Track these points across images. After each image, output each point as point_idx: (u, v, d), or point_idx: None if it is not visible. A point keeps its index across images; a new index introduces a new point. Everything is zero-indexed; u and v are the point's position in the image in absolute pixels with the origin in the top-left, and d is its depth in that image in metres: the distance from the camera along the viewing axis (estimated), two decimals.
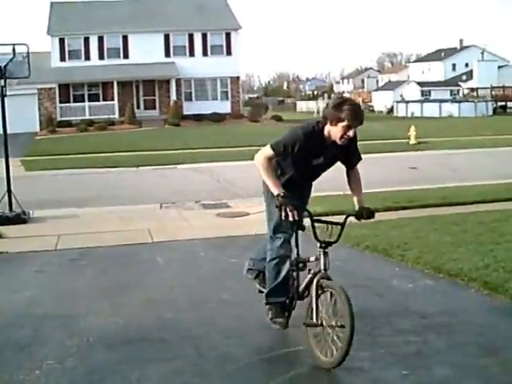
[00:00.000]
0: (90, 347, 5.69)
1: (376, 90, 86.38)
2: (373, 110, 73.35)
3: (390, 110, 66.72)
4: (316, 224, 5.39)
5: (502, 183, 14.71)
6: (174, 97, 49.10)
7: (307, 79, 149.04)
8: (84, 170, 21.11)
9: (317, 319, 5.05)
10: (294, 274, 5.68)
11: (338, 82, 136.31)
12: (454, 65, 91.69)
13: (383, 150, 25.13)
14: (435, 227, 9.87)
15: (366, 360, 5.20)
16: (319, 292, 5.10)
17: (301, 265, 5.72)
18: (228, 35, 51.52)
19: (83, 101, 48.34)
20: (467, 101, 63.99)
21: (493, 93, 69.07)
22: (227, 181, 17.62)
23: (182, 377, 5.04)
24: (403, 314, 6.30)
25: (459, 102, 63.93)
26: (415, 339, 5.58)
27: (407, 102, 62.72)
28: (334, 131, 5.21)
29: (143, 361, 5.33)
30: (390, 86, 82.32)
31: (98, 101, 48.73)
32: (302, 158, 5.42)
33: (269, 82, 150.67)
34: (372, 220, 5.68)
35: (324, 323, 5.05)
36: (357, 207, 5.64)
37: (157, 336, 5.93)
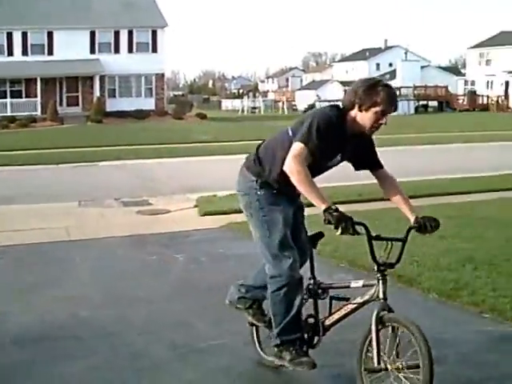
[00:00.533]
0: (1, 346, 5.57)
1: (300, 90, 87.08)
2: (296, 109, 73.93)
3: (311, 107, 67.45)
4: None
5: (425, 179, 15.08)
6: (97, 93, 48.56)
7: (233, 78, 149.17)
8: (1, 167, 20.62)
9: (379, 362, 4.10)
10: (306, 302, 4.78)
11: (263, 81, 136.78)
12: (378, 64, 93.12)
13: None
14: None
15: None
16: (379, 328, 4.12)
17: (320, 291, 4.80)
18: (154, 32, 51.36)
19: (5, 97, 47.18)
20: None
21: (415, 92, 70.61)
22: (149, 178, 17.49)
23: (96, 373, 4.99)
24: (319, 306, 6.31)
25: None
26: (333, 332, 5.61)
27: (330, 102, 63.63)
28: (364, 118, 4.29)
29: (57, 358, 5.26)
30: (314, 85, 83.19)
31: (21, 97, 47.75)
32: (320, 154, 4.33)
33: (194, 79, 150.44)
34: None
35: (389, 366, 4.09)
36: (412, 218, 4.51)
37: (71, 334, 5.84)
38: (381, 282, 4.18)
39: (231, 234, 10.03)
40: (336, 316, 4.56)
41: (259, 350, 5.05)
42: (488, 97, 69.11)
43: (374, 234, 4.17)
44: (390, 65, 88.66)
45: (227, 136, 30.91)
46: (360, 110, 4.27)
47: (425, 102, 69.31)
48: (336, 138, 4.30)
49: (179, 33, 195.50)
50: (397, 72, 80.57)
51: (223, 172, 18.30)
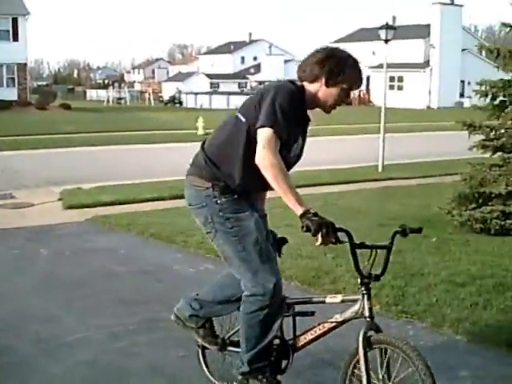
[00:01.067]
0: None
1: (166, 81, 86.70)
2: (162, 101, 73.56)
3: (172, 100, 67.51)
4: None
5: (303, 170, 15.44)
6: None
7: (98, 68, 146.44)
8: None
9: None
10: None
11: (128, 72, 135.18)
12: (243, 58, 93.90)
13: (172, 140, 25.39)
14: None
15: (144, 344, 5.28)
16: (367, 350, 3.52)
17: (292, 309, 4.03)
18: (15, 20, 49.41)
19: None
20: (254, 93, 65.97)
21: None
22: (14, 170, 16.95)
23: None
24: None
25: (247, 94, 65.71)
26: None
27: (196, 94, 63.53)
28: (327, 94, 3.74)
29: None
30: (180, 77, 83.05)
31: None
32: (287, 138, 3.69)
33: (59, 69, 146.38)
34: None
35: None
36: None
37: None
38: (366, 296, 3.59)
39: (96, 227, 9.95)
40: (309, 336, 3.89)
41: (208, 373, 4.49)
42: None
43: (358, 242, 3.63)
44: (255, 58, 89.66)
45: (92, 127, 30.36)
46: (326, 85, 3.71)
47: None
48: (298, 116, 3.75)
49: (42, 21, 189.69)
50: (261, 66, 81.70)
51: (88, 164, 18.16)
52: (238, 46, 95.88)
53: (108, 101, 67.91)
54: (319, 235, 3.33)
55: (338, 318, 3.74)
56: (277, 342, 4.00)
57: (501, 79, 9.49)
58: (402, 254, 7.74)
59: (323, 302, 3.89)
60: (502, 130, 9.46)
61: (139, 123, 33.95)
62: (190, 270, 7.48)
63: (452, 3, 65.98)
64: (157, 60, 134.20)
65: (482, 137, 9.58)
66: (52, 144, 22.88)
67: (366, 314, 3.57)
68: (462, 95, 65.12)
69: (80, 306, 6.19)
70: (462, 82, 65.54)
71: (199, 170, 3.84)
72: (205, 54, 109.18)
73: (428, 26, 67.34)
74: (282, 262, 7.22)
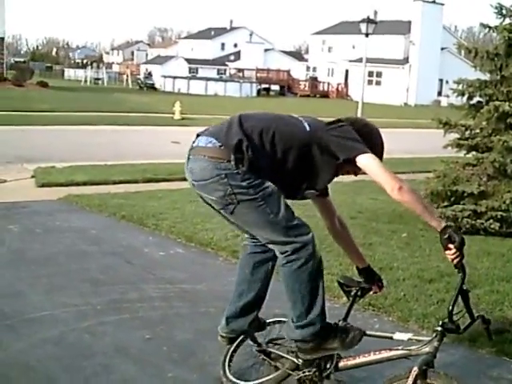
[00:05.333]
0: None
1: (145, 63, 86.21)
2: (139, 83, 73.16)
3: (149, 75, 67.11)
4: None
5: None
6: None
7: (77, 47, 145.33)
8: None
9: None
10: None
11: (107, 53, 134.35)
12: (223, 44, 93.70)
13: (147, 123, 25.25)
14: (192, 199, 10.10)
15: (111, 324, 5.27)
16: (418, 382, 3.43)
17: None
18: None
19: None
20: (233, 81, 65.86)
21: (258, 75, 71.84)
22: None
23: None
24: (151, 280, 6.44)
25: (225, 81, 65.65)
26: (161, 304, 5.76)
27: (174, 78, 63.15)
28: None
29: None
30: (159, 60, 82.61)
31: None
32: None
33: (37, 46, 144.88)
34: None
35: None
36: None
37: None
38: (438, 337, 3.54)
39: (68, 206, 9.89)
40: (360, 359, 3.82)
41: (227, 367, 4.28)
42: (329, 84, 71.47)
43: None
44: (235, 45, 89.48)
45: (68, 106, 30.13)
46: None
47: (267, 86, 70.60)
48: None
49: None
50: (241, 53, 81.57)
51: (62, 143, 18.02)
52: (219, 32, 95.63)
53: (85, 81, 67.38)
54: (458, 249, 3.42)
55: (400, 350, 3.68)
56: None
57: (478, 79, 9.57)
58: (372, 247, 7.82)
59: (391, 338, 3.85)
60: (477, 130, 9.54)
61: (115, 104, 33.75)
62: (159, 254, 7.46)
63: (434, 1, 66.30)
64: (136, 42, 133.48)
65: (457, 135, 9.66)
66: (26, 121, 22.63)
67: (434, 352, 3.51)
68: (439, 94, 65.57)
69: (47, 284, 6.16)
70: (441, 80, 65.97)
71: (223, 142, 3.58)
72: (185, 38, 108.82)
73: (409, 22, 67.67)
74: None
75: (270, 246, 3.74)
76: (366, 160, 3.51)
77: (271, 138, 3.60)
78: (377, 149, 3.74)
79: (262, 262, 3.99)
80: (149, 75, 65.26)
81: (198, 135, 3.77)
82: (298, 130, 3.67)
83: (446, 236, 3.43)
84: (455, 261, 3.46)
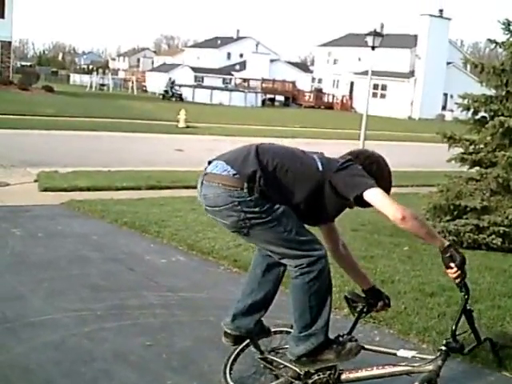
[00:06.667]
0: None
1: (150, 71, 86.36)
2: (146, 91, 73.30)
3: (166, 94, 60.90)
4: None
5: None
6: None
7: (83, 52, 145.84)
8: None
9: None
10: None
11: (113, 59, 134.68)
12: (229, 53, 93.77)
13: (151, 130, 25.29)
14: (194, 207, 10.13)
15: (111, 330, 5.28)
16: None
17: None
18: None
19: None
20: (238, 90, 65.93)
21: (263, 85, 71.95)
22: None
23: None
24: (152, 287, 6.45)
25: (231, 90, 65.71)
26: (161, 312, 5.76)
27: (180, 86, 62.93)
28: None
29: None
30: (165, 67, 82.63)
31: None
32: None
33: (44, 51, 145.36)
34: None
35: None
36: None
37: None
38: (442, 357, 3.63)
39: (71, 211, 9.90)
40: (363, 373, 3.89)
41: (228, 375, 4.30)
42: (333, 95, 71.55)
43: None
44: (241, 55, 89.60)
45: (72, 111, 30.19)
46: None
47: (272, 96, 70.70)
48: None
49: (31, 0, 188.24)
50: (247, 63, 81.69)
51: (66, 148, 18.05)
52: (225, 41, 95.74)
53: (91, 86, 67.50)
54: (459, 268, 3.54)
55: (403, 366, 3.72)
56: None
57: (483, 94, 9.58)
58: (373, 260, 7.81)
59: (394, 355, 3.88)
60: (482, 145, 9.55)
61: (120, 111, 33.80)
62: (161, 261, 7.47)
63: (440, 16, 66.39)
64: (143, 49, 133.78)
65: (461, 150, 9.67)
66: (31, 125, 22.70)
67: (437, 371, 3.57)
68: (444, 108, 65.53)
69: (48, 288, 6.16)
70: (445, 94, 65.97)
71: (238, 171, 3.69)
72: (191, 46, 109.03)
73: (415, 36, 67.71)
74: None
75: (284, 261, 3.84)
76: (371, 195, 3.65)
77: (285, 173, 3.73)
78: (382, 178, 3.87)
79: (275, 265, 4.03)
80: (172, 84, 61.04)
81: (209, 162, 3.88)
82: (311, 169, 3.79)
83: (448, 255, 3.55)
84: (457, 280, 3.55)
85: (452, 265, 3.54)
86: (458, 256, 3.54)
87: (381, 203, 3.62)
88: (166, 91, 59.18)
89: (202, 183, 3.81)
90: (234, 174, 3.68)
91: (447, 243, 3.60)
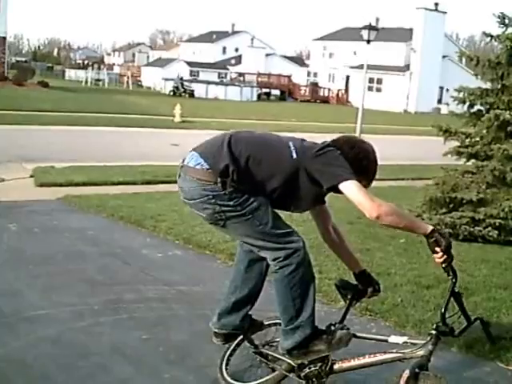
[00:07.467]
0: None
1: (146, 66, 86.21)
2: (141, 86, 73.18)
3: (177, 90, 58.30)
4: None
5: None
6: None
7: (78, 48, 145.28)
8: None
9: None
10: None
11: (109, 54, 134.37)
12: (224, 48, 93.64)
13: (147, 125, 25.28)
14: None
15: (107, 324, 5.29)
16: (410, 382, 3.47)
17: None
18: None
19: None
20: (234, 84, 65.83)
21: (259, 79, 71.83)
22: None
23: None
24: (148, 281, 6.45)
25: (226, 85, 65.60)
26: (158, 306, 5.77)
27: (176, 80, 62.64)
28: None
29: None
30: (160, 62, 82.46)
31: None
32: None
33: (39, 46, 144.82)
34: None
35: None
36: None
37: None
38: (435, 342, 3.61)
39: (67, 206, 9.89)
40: (355, 362, 3.89)
41: (224, 369, 4.35)
42: (329, 89, 71.49)
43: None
44: (236, 50, 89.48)
45: (68, 107, 30.11)
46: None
47: (267, 90, 70.60)
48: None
49: None
50: (242, 57, 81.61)
51: (61, 143, 18.01)
52: (220, 35, 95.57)
53: (86, 81, 67.35)
54: (445, 252, 3.50)
55: (394, 353, 3.73)
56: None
57: (479, 87, 9.58)
58: (369, 252, 7.83)
59: (386, 341, 3.89)
60: (477, 138, 9.56)
61: (116, 106, 33.75)
62: (157, 255, 7.47)
63: (436, 9, 66.33)
64: (138, 44, 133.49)
65: (457, 143, 9.68)
66: (26, 121, 22.65)
67: (428, 356, 3.56)
68: (439, 101, 65.53)
69: (45, 283, 6.16)
70: (441, 88, 65.92)
71: (211, 165, 3.70)
72: (186, 41, 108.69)
73: (410, 30, 67.64)
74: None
75: (262, 253, 3.84)
76: (346, 187, 3.59)
77: (258, 165, 3.71)
78: (364, 170, 3.83)
79: (258, 260, 4.03)
80: (181, 80, 59.42)
81: (191, 150, 3.87)
82: (284, 158, 3.74)
83: (433, 239, 3.52)
84: (444, 264, 3.53)
85: (437, 249, 3.51)
86: (444, 240, 3.50)
87: (357, 198, 3.56)
88: (177, 87, 57.94)
89: (179, 175, 3.85)
90: (207, 169, 3.70)
91: (431, 228, 3.56)
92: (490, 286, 6.81)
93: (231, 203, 3.68)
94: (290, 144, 3.81)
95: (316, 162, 3.69)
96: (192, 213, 4.02)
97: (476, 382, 4.71)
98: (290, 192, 3.77)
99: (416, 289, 6.50)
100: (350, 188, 3.57)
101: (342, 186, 3.58)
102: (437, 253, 3.52)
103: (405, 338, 3.85)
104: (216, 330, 4.18)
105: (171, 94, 56.64)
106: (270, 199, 3.76)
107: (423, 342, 3.65)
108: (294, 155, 3.74)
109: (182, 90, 57.39)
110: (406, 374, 3.43)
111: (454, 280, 3.58)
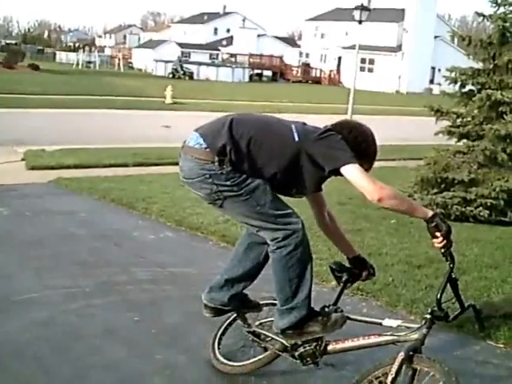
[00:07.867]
0: None
1: (137, 47, 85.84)
2: (132, 67, 72.89)
3: (176, 72, 57.58)
4: None
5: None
6: None
7: (69, 30, 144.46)
8: None
9: None
10: None
11: (100, 36, 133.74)
12: (215, 29, 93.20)
13: (138, 106, 25.22)
14: (182, 184, 10.11)
15: (100, 306, 5.29)
16: (403, 366, 3.43)
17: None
18: None
19: None
20: (225, 66, 65.63)
21: (250, 60, 71.62)
22: None
23: None
24: (140, 263, 6.46)
25: (218, 66, 65.39)
26: (150, 287, 5.78)
27: (166, 62, 62.36)
28: None
29: None
30: (152, 44, 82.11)
31: None
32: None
33: (29, 29, 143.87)
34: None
35: None
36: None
37: None
38: (429, 325, 3.57)
39: (58, 189, 9.88)
40: (349, 344, 3.88)
41: (216, 348, 4.41)
42: (321, 70, 71.35)
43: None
44: (228, 30, 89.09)
45: (59, 89, 30.00)
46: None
47: (259, 71, 70.43)
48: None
49: None
50: (234, 38, 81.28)
51: (52, 126, 17.95)
52: (212, 16, 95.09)
53: (77, 64, 67.04)
54: (445, 237, 3.49)
55: (389, 335, 3.72)
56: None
57: (470, 67, 9.59)
58: (361, 233, 7.85)
59: (380, 324, 3.88)
60: (469, 118, 9.58)
61: (106, 88, 33.63)
62: (149, 237, 7.48)
63: None
64: (129, 26, 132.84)
65: (449, 123, 9.69)
66: (17, 104, 22.55)
67: (422, 339, 3.54)
68: (431, 82, 65.49)
69: (37, 266, 6.16)
70: (433, 68, 65.88)
71: (209, 144, 3.70)
72: (177, 22, 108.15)
73: (402, 10, 67.45)
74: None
75: (261, 233, 3.83)
76: (348, 171, 3.59)
77: (259, 147, 3.70)
78: (364, 153, 3.81)
79: (257, 244, 4.02)
80: (181, 62, 58.79)
81: (194, 130, 3.85)
82: (286, 140, 3.74)
83: (433, 224, 3.51)
84: (443, 249, 3.53)
85: (438, 234, 3.51)
86: (444, 225, 3.50)
87: (358, 181, 3.56)
88: (176, 69, 57.40)
89: (180, 155, 3.86)
90: (205, 148, 3.70)
91: (431, 213, 3.56)
92: (480, 265, 6.85)
93: (228, 183, 3.68)
94: (293, 127, 3.80)
95: (318, 145, 3.68)
96: (184, 195, 4.01)
97: (466, 361, 4.73)
98: (292, 176, 3.76)
99: (407, 268, 6.53)
100: (352, 171, 3.58)
101: (344, 170, 3.58)
102: (437, 238, 3.52)
103: (399, 322, 3.86)
104: (205, 302, 4.20)
105: (170, 76, 56.10)
106: (271, 183, 3.75)
107: (417, 325, 3.66)
108: (297, 138, 3.73)
109: (182, 72, 57.02)
110: (401, 356, 3.43)
111: (451, 265, 3.57)
